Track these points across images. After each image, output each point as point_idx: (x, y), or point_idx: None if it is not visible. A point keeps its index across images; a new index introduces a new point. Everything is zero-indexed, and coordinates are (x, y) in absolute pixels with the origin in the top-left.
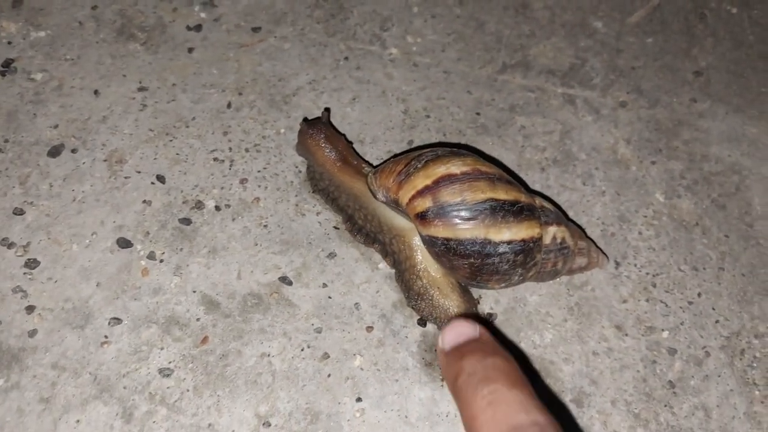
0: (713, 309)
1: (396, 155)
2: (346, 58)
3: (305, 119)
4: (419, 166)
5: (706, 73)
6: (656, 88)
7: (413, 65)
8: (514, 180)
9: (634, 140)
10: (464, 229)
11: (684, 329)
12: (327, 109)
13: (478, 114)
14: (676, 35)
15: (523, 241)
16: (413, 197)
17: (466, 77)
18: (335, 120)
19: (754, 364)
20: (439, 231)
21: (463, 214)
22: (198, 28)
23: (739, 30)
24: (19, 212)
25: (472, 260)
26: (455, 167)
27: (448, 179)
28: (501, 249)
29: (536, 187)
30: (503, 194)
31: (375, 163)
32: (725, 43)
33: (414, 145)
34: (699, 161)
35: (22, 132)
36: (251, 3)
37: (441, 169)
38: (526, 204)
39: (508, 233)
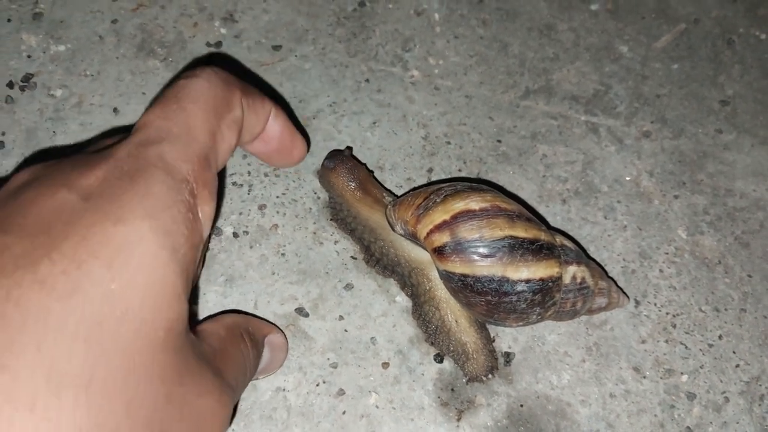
0: (734, 352)
1: (415, 188)
2: (367, 80)
3: (328, 155)
4: (438, 200)
5: (732, 103)
6: (681, 118)
7: (434, 88)
8: (535, 217)
9: (657, 173)
10: (482, 266)
11: (704, 373)
12: (349, 148)
13: (499, 141)
14: (703, 62)
15: (542, 280)
16: (431, 231)
17: (488, 102)
18: (355, 145)
19: None
20: (456, 267)
21: (480, 250)
22: (218, 44)
23: None
24: None
25: (488, 298)
26: (474, 203)
27: (467, 215)
28: (519, 287)
29: (557, 219)
30: (522, 232)
31: (393, 191)
32: (753, 71)
33: (433, 172)
34: (723, 196)
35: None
36: (272, 19)
37: (459, 205)
38: (545, 242)
39: (526, 272)
